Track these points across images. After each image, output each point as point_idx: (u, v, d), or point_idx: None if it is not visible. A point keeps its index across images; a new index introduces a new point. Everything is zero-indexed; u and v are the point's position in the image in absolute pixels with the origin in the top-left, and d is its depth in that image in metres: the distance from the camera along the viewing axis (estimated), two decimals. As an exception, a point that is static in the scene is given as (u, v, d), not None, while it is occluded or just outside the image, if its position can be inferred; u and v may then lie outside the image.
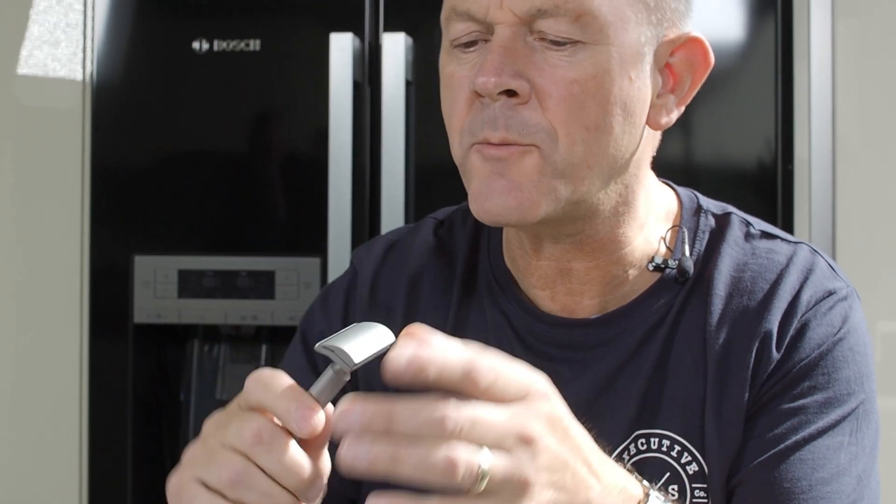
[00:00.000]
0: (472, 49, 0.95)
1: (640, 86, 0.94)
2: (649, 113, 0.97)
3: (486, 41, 0.93)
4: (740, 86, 1.91)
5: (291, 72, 2.01)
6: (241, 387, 0.77)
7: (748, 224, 1.05)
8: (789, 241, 1.04)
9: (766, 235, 1.04)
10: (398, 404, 0.69)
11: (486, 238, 1.09)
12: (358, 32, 1.97)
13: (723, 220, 1.05)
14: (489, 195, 0.93)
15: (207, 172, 2.05)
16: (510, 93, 0.91)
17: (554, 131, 0.91)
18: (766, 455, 0.94)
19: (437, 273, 1.08)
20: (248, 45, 2.02)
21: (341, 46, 1.95)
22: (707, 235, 1.04)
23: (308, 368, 1.08)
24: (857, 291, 1.03)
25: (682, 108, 1.00)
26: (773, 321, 0.98)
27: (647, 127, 0.98)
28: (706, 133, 1.92)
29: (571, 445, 0.75)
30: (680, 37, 0.97)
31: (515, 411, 0.72)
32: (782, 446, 0.94)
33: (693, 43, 0.98)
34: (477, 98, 0.93)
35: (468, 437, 0.69)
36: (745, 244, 1.03)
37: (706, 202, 1.07)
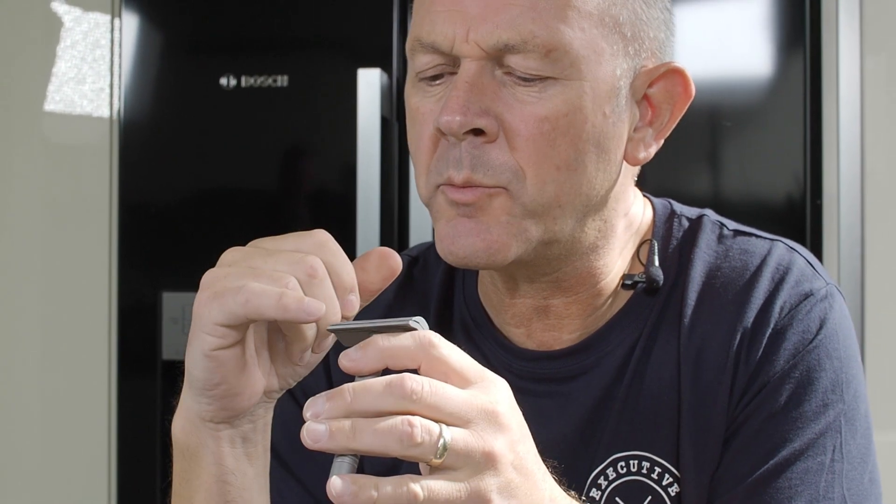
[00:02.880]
0: (438, 82, 0.90)
1: (615, 121, 0.90)
2: (626, 147, 0.92)
3: (453, 74, 0.89)
4: (769, 122, 1.91)
5: (319, 108, 2.02)
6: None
7: (722, 225, 0.99)
8: (765, 238, 0.98)
9: (741, 233, 0.99)
10: (351, 383, 0.68)
11: (460, 275, 1.04)
12: (386, 68, 1.98)
13: (696, 224, 0.99)
14: (456, 237, 0.88)
15: (235, 208, 2.06)
16: (477, 131, 0.86)
17: (522, 171, 0.87)
18: (742, 484, 0.89)
19: (408, 312, 1.02)
20: (275, 80, 2.02)
21: (369, 82, 1.95)
22: (679, 241, 0.98)
23: (298, 412, 1.05)
24: (839, 289, 0.96)
25: (661, 142, 0.95)
26: (746, 332, 0.92)
27: (624, 162, 0.93)
28: (735, 168, 1.92)
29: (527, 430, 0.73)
30: (658, 67, 0.92)
31: (478, 389, 0.70)
32: (757, 474, 0.89)
33: (673, 74, 0.92)
34: (442, 136, 0.88)
35: (427, 404, 0.67)
36: (718, 246, 0.97)
37: (680, 208, 1.02)
